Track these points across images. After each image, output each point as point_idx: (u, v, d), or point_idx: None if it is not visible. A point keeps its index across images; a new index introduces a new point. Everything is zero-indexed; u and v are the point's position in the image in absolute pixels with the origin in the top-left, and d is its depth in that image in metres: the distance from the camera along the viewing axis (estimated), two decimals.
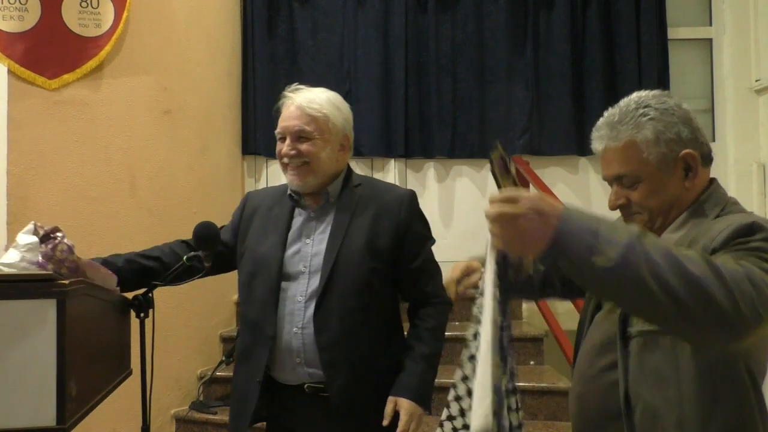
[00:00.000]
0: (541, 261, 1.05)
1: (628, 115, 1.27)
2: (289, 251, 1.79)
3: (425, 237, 1.86)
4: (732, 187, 4.06)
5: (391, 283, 1.81)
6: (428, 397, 1.75)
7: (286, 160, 1.78)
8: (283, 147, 1.78)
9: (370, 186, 1.87)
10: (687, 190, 1.25)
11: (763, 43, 3.95)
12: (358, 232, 1.76)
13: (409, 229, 1.81)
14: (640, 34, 4.09)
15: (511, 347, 1.13)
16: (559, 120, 4.08)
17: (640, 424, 1.22)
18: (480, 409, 1.05)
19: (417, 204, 1.86)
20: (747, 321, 0.95)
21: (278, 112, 1.86)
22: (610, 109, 1.33)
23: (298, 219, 1.83)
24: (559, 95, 4.06)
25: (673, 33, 4.17)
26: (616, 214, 1.34)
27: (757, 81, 4.01)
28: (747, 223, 1.12)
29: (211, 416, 3.19)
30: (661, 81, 4.05)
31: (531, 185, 3.79)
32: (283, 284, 1.76)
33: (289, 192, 1.85)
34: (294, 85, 1.85)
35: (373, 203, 1.81)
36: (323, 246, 1.76)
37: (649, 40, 4.08)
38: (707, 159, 1.27)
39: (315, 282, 1.74)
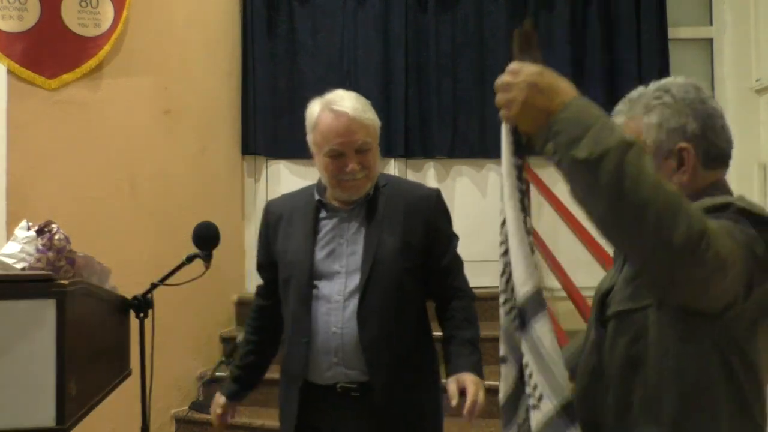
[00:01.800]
0: (535, 139, 1.09)
1: (645, 96, 1.25)
2: (323, 252, 1.77)
3: (452, 234, 1.87)
4: (732, 187, 4.05)
5: (421, 281, 1.81)
6: (482, 373, 1.72)
7: (349, 177, 1.72)
8: (349, 164, 1.71)
9: (396, 185, 1.87)
10: (678, 185, 1.19)
11: (764, 43, 3.95)
12: (391, 231, 1.76)
13: (438, 227, 1.81)
14: (640, 34, 4.09)
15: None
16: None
17: (613, 407, 1.22)
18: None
19: (444, 202, 1.87)
20: (698, 259, 0.96)
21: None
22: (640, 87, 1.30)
23: (329, 220, 1.80)
24: None
25: (673, 33, 4.16)
26: None
27: (757, 81, 4.00)
28: (720, 203, 1.10)
29: (211, 416, 3.18)
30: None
31: (531, 186, 3.79)
32: (318, 285, 1.75)
33: (318, 197, 1.82)
34: (330, 95, 1.81)
35: (402, 202, 1.80)
36: (359, 246, 1.75)
37: (649, 40, 4.08)
38: (713, 160, 1.21)
39: (353, 281, 1.73)
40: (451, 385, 1.65)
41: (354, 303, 1.71)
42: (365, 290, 1.70)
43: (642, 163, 0.99)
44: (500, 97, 1.11)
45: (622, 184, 0.98)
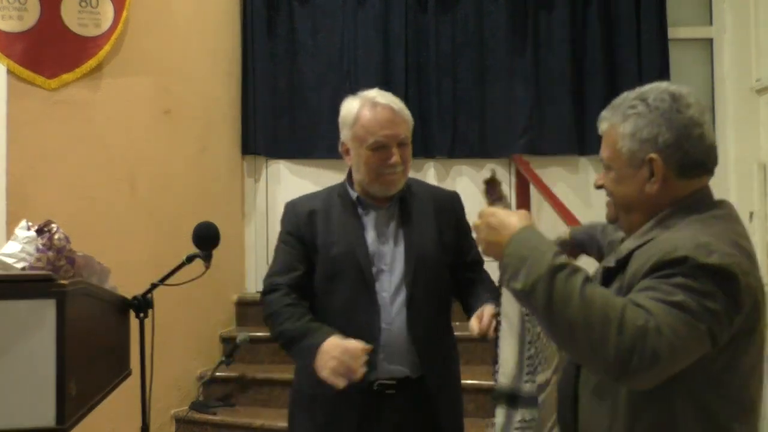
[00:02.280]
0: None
1: (624, 104, 1.27)
2: (368, 250, 1.79)
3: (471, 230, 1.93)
4: (732, 187, 4.06)
5: (451, 277, 1.87)
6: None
7: (390, 170, 1.74)
8: (392, 157, 1.73)
9: (420, 185, 1.94)
10: (647, 195, 1.22)
11: (764, 43, 3.94)
12: (428, 228, 1.82)
13: (463, 223, 1.89)
14: (640, 34, 4.08)
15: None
16: (559, 120, 4.07)
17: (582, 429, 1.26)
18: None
19: (462, 204, 1.95)
20: (633, 371, 1.02)
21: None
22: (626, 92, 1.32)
23: (368, 219, 1.82)
24: (559, 95, 4.06)
25: (673, 33, 4.16)
26: None
27: (757, 81, 4.00)
28: (677, 257, 1.09)
29: (210, 416, 3.19)
30: (661, 81, 4.04)
31: (531, 186, 3.79)
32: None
33: (356, 195, 1.83)
34: (368, 92, 1.81)
35: (430, 201, 1.87)
36: (401, 244, 1.79)
37: (649, 40, 4.07)
38: (688, 169, 1.21)
39: (397, 278, 1.76)
40: (474, 321, 1.63)
41: (400, 300, 1.75)
42: (412, 287, 1.75)
43: (569, 287, 1.07)
44: (475, 238, 1.30)
45: (551, 309, 1.07)
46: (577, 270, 1.10)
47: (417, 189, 1.89)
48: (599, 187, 1.34)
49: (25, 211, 2.71)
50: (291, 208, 1.90)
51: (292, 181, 4.11)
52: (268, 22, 4.12)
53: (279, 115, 4.10)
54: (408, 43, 4.09)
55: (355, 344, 1.57)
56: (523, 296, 1.13)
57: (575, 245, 1.69)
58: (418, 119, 4.10)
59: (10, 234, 2.68)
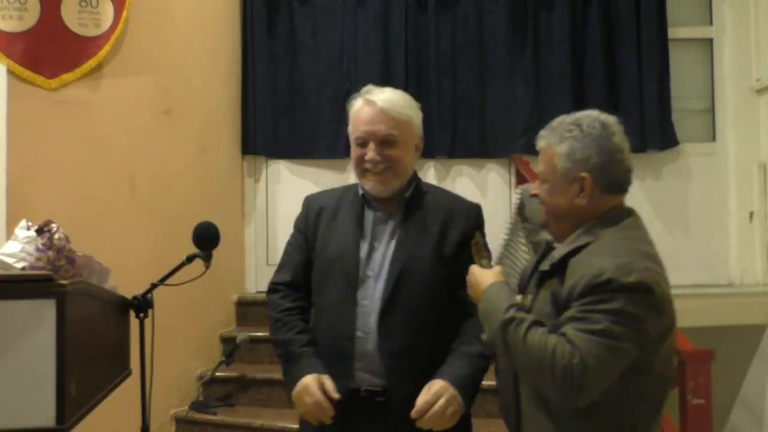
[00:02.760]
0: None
1: (561, 127, 1.46)
2: (359, 254, 1.74)
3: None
4: (732, 187, 4.06)
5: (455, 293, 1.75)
6: (469, 387, 1.66)
7: (368, 165, 1.72)
8: (367, 152, 1.71)
9: (438, 194, 1.85)
10: (576, 207, 1.43)
11: (764, 43, 3.95)
12: (426, 239, 1.73)
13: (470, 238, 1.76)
14: (640, 34, 4.08)
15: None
16: None
17: (524, 415, 1.46)
18: None
19: (482, 218, 1.83)
20: (568, 399, 1.30)
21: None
22: (563, 116, 1.51)
23: (368, 222, 1.78)
24: (559, 95, 4.05)
25: (673, 33, 4.16)
26: None
27: (757, 81, 4.00)
28: (602, 280, 1.30)
29: (210, 417, 3.19)
30: (661, 81, 4.05)
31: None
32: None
33: (362, 193, 1.79)
34: (368, 87, 1.80)
35: (442, 211, 1.77)
36: (391, 252, 1.72)
37: (649, 40, 4.07)
38: (612, 188, 1.44)
39: (380, 287, 1.70)
40: (423, 390, 1.61)
41: (379, 310, 1.68)
42: (391, 298, 1.68)
43: (516, 338, 1.35)
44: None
45: (508, 356, 1.40)
46: (522, 321, 1.36)
47: (432, 197, 1.81)
48: (534, 195, 1.55)
49: (25, 211, 2.72)
50: (305, 203, 1.89)
51: (292, 181, 4.11)
52: (268, 22, 4.12)
53: (279, 115, 4.10)
54: (408, 43, 4.09)
55: (324, 404, 1.63)
56: (489, 343, 1.45)
57: None
58: None
59: (10, 234, 2.68)
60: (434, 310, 1.73)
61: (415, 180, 1.82)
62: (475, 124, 4.12)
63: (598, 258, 1.34)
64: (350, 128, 1.78)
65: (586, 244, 1.40)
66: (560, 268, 1.41)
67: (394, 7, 4.09)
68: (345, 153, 4.01)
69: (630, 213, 1.47)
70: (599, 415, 1.35)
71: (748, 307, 3.72)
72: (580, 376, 1.27)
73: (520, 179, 4.01)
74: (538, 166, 1.51)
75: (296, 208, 1.93)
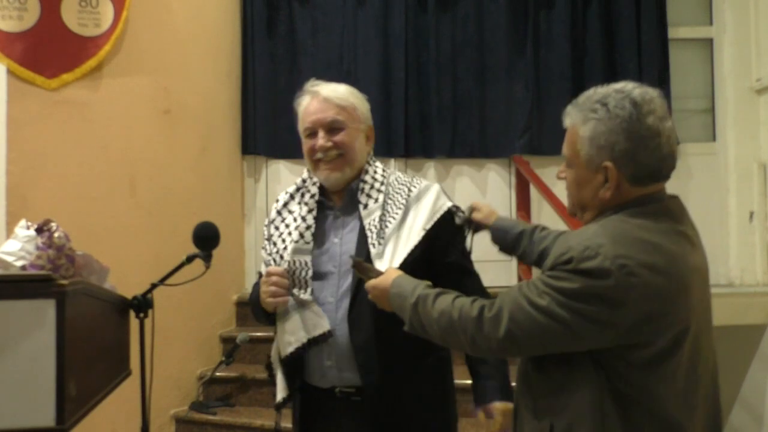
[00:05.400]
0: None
1: (586, 104, 1.27)
2: (317, 251, 1.72)
3: (455, 230, 1.78)
4: (732, 187, 4.06)
5: (428, 278, 1.68)
6: (509, 388, 1.66)
7: (320, 155, 1.70)
8: (317, 141, 1.70)
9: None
10: (600, 199, 1.26)
11: (764, 43, 3.95)
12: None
13: (440, 221, 1.71)
14: (640, 34, 4.09)
15: None
16: (559, 120, 3.96)
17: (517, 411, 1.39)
18: None
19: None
20: (483, 350, 1.31)
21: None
22: (595, 88, 1.31)
23: (324, 218, 1.76)
24: (559, 95, 4.05)
25: (673, 33, 4.16)
26: None
27: (757, 81, 4.00)
28: (564, 259, 1.19)
29: (210, 416, 3.19)
30: (662, 81, 4.05)
31: (531, 185, 3.79)
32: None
33: (313, 191, 1.77)
34: (311, 81, 1.79)
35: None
36: (353, 245, 1.69)
37: (649, 40, 4.08)
38: (642, 179, 1.23)
39: (346, 282, 1.68)
40: (480, 414, 1.65)
41: (345, 305, 1.66)
42: (357, 291, 1.64)
43: (427, 312, 1.36)
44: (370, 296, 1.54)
45: (428, 332, 1.38)
46: (428, 294, 1.37)
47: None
48: (560, 179, 1.37)
49: (25, 211, 2.72)
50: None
51: (292, 181, 4.04)
52: (268, 22, 4.12)
53: (279, 115, 4.10)
54: (408, 43, 4.09)
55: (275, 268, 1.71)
56: (413, 331, 1.42)
57: (494, 231, 1.78)
58: (418, 119, 4.13)
59: (10, 234, 2.69)
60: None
61: (367, 171, 1.76)
62: (475, 124, 4.13)
63: (574, 237, 1.22)
64: (299, 125, 1.77)
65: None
66: None
67: (394, 7, 4.09)
68: None
69: (660, 200, 1.25)
70: None
71: (748, 307, 3.72)
72: (491, 329, 1.23)
73: (520, 179, 4.01)
74: (564, 147, 1.33)
75: None
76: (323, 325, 1.65)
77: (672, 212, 1.25)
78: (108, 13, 3.02)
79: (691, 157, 4.11)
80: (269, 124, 4.10)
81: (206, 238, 1.84)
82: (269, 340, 3.54)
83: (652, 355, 1.17)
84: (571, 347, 1.21)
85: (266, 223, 1.87)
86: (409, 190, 1.75)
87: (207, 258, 1.84)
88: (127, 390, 1.81)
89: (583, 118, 1.25)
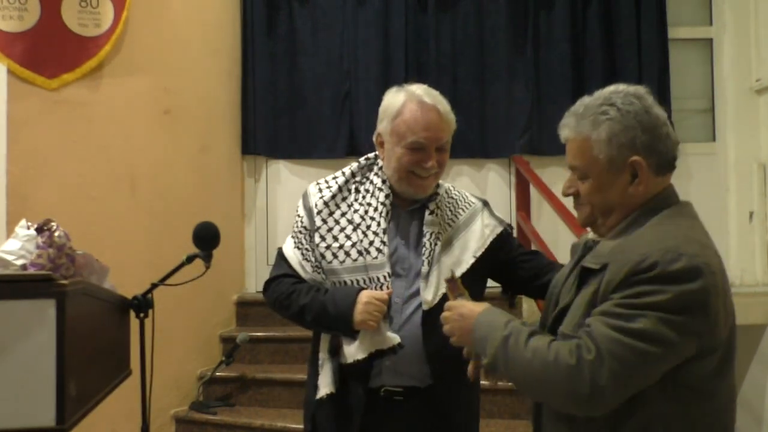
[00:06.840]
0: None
1: (591, 110, 1.28)
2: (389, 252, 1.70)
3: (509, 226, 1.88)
4: (732, 187, 4.06)
5: (481, 279, 1.77)
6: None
7: (424, 173, 1.68)
8: (428, 160, 1.67)
9: (446, 189, 1.84)
10: (631, 196, 1.24)
11: (764, 43, 3.94)
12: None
13: (492, 231, 1.80)
14: (640, 34, 4.09)
15: None
16: (559, 120, 4.00)
17: (544, 416, 1.32)
18: None
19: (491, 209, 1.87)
20: (585, 407, 1.13)
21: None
22: (583, 97, 1.34)
23: (393, 220, 1.74)
24: (559, 95, 4.05)
25: (673, 33, 4.16)
26: None
27: (757, 81, 4.00)
28: (645, 266, 1.11)
29: (210, 416, 3.19)
30: (661, 81, 4.05)
31: (531, 186, 3.79)
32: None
33: (387, 191, 1.73)
34: (416, 87, 1.78)
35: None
36: (421, 248, 1.70)
37: (649, 40, 4.08)
38: (663, 167, 1.25)
39: (415, 284, 1.68)
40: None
41: (412, 307, 1.66)
42: (440, 302, 1.61)
43: (518, 350, 1.19)
44: (445, 329, 1.40)
45: (512, 373, 1.22)
46: (521, 331, 1.22)
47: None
48: (568, 195, 1.35)
49: (25, 211, 2.72)
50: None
51: (292, 181, 4.11)
52: (268, 22, 4.12)
53: (279, 115, 4.10)
54: (408, 43, 4.09)
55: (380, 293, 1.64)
56: (491, 369, 1.27)
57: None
58: None
59: (10, 233, 2.69)
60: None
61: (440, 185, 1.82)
62: (475, 124, 4.12)
63: (639, 246, 1.15)
64: (397, 127, 1.69)
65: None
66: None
67: (394, 6, 4.09)
68: (345, 153, 4.02)
69: (685, 204, 1.28)
70: None
71: (748, 307, 3.71)
72: (594, 375, 1.08)
73: (520, 179, 4.01)
74: (570, 160, 1.32)
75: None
76: (394, 339, 1.63)
77: (693, 210, 1.27)
78: (108, 13, 3.03)
79: (691, 157, 4.11)
80: (269, 124, 4.10)
81: (206, 238, 1.85)
82: (269, 340, 3.57)
83: (719, 360, 1.16)
84: (665, 365, 1.12)
85: (300, 213, 1.77)
86: (464, 209, 1.80)
87: (207, 258, 1.84)
88: (127, 390, 1.81)
89: (592, 123, 1.26)
